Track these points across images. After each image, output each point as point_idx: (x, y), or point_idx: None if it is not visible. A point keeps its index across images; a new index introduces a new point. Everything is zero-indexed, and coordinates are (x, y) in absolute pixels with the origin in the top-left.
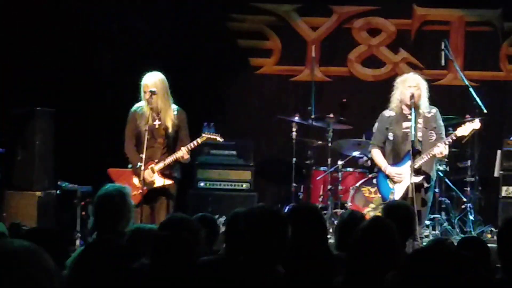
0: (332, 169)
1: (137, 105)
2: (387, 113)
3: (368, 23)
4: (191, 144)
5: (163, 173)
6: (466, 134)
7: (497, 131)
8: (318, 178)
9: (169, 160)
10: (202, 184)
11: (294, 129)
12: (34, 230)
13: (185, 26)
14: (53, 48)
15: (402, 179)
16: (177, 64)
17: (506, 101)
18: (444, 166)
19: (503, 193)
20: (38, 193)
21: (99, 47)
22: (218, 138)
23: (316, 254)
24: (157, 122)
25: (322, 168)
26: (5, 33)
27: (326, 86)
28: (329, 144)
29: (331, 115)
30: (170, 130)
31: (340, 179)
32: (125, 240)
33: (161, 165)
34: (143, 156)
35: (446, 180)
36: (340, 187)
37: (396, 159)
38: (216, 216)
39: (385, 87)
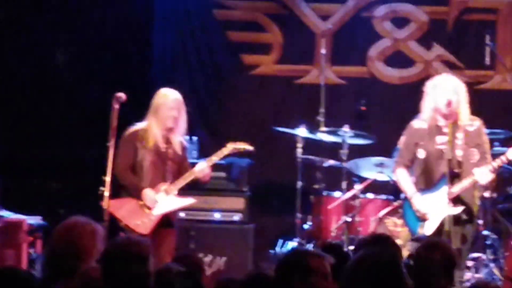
0: (348, 195)
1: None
2: (416, 124)
3: (393, 11)
4: (212, 158)
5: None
6: None
7: None
8: (330, 206)
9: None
10: (182, 214)
11: (299, 145)
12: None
13: (163, 14)
14: None
15: (430, 217)
16: (152, 62)
17: None
18: (489, 192)
19: None
20: None
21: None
22: (247, 147)
23: None
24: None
25: (335, 194)
26: None
27: (340, 90)
28: (344, 164)
29: (346, 127)
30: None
31: (358, 208)
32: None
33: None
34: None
35: (492, 209)
36: (358, 218)
37: (428, 184)
38: (200, 255)
39: (415, 92)
